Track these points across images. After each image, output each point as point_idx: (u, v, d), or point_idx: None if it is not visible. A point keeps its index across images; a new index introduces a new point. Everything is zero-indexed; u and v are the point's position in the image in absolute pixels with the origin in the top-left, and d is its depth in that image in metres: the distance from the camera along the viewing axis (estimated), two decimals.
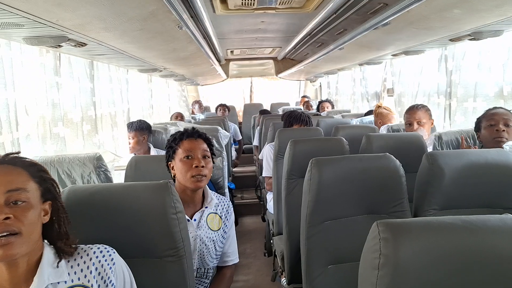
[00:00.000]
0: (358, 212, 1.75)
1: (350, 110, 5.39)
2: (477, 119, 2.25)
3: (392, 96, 4.05)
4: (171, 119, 5.17)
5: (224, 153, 4.09)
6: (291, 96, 9.15)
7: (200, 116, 7.05)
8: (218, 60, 6.61)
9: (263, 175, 4.21)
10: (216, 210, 1.85)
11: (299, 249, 1.84)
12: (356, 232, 1.71)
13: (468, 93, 2.64)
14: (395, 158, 1.76)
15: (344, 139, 2.51)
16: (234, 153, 6.55)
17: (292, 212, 2.42)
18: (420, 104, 2.87)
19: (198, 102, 7.49)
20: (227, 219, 1.88)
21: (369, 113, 4.50)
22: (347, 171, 1.72)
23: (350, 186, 1.71)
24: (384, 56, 3.20)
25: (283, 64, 6.99)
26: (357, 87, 5.19)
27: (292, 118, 3.52)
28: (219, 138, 4.05)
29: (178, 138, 1.82)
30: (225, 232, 1.87)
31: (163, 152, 3.87)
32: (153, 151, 3.68)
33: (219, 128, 4.10)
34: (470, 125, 2.68)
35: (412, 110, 2.81)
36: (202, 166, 1.73)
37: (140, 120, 3.54)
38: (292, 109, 6.66)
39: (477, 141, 2.29)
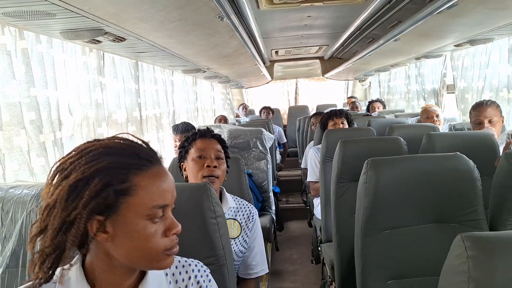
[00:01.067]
0: (423, 221, 1.52)
1: (404, 109, 5.06)
2: None
3: (453, 93, 3.72)
4: (215, 122, 5.11)
5: (269, 156, 3.95)
6: (338, 97, 8.86)
7: (245, 119, 6.98)
8: (263, 62, 6.50)
9: (308, 179, 4.04)
10: (236, 216, 1.69)
11: (350, 258, 1.63)
12: (422, 243, 1.49)
13: None
14: (468, 159, 1.52)
15: (401, 138, 2.28)
16: (279, 157, 6.40)
17: (342, 219, 2.22)
18: (489, 100, 2.56)
19: (242, 104, 7.41)
20: (249, 228, 1.70)
21: None
22: (410, 173, 1.50)
23: (413, 191, 1.49)
24: (445, 48, 2.91)
25: (329, 63, 6.74)
26: (411, 84, 4.85)
27: (324, 118, 3.29)
28: (263, 140, 3.90)
29: (191, 138, 1.71)
30: (245, 241, 1.68)
31: None
32: None
33: (263, 130, 3.96)
34: None
35: (481, 107, 2.47)
36: (215, 166, 1.63)
37: (186, 122, 3.46)
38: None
39: None
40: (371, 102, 5.78)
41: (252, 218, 1.71)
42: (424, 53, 3.18)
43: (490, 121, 2.44)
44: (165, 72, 3.26)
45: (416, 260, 1.49)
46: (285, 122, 8.11)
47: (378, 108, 5.53)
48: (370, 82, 7.35)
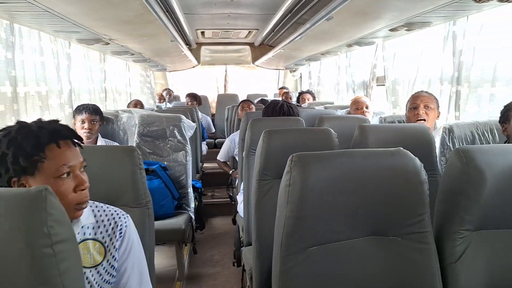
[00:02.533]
0: (359, 233, 1.21)
1: (334, 101, 4.88)
2: (505, 107, 1.76)
3: (383, 85, 3.54)
4: (128, 107, 4.54)
5: (188, 147, 3.51)
6: (269, 87, 8.62)
7: (168, 105, 6.45)
8: (187, 43, 6.02)
9: (218, 157, 4.06)
10: (96, 234, 1.25)
11: (271, 270, 1.27)
12: (357, 262, 1.17)
13: (485, 77, 2.14)
14: (413, 156, 1.21)
15: (332, 130, 1.98)
16: (205, 148, 6.00)
17: (264, 223, 1.85)
18: (425, 91, 2.43)
19: (166, 90, 6.85)
20: (115, 247, 1.26)
21: None
22: (345, 172, 1.16)
23: (348, 195, 1.16)
24: (379, 32, 2.67)
25: (260, 50, 6.45)
26: (342, 76, 4.67)
27: (273, 110, 2.96)
28: (182, 129, 3.45)
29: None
30: (112, 266, 1.25)
31: (113, 144, 3.27)
32: (101, 141, 3.06)
33: (182, 117, 3.50)
34: (486, 116, 2.18)
35: (419, 93, 2.40)
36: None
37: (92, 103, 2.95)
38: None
39: (503, 134, 1.80)
40: (301, 93, 5.58)
41: (120, 233, 1.27)
42: (357, 39, 2.94)
43: (426, 107, 2.32)
44: (57, 42, 2.67)
45: (350, 282, 1.17)
46: (213, 110, 7.69)
47: (308, 100, 5.34)
48: (301, 74, 7.16)
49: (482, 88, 2.15)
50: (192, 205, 3.42)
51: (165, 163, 3.40)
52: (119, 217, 1.29)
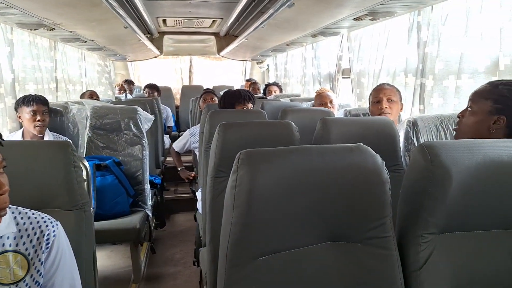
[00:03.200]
0: (314, 240, 1.08)
1: (300, 94, 4.78)
2: None
3: (349, 77, 3.46)
4: (81, 97, 4.28)
5: (145, 140, 3.30)
6: (236, 79, 8.44)
7: (129, 97, 6.17)
8: (150, 33, 5.76)
9: (173, 144, 3.90)
10: (17, 245, 1.08)
11: None
12: (312, 270, 1.05)
13: (450, 69, 2.06)
14: (374, 153, 1.10)
15: (293, 124, 1.86)
16: (167, 141, 5.79)
17: (219, 224, 1.72)
18: (388, 83, 2.35)
19: (127, 81, 6.55)
20: (40, 260, 1.09)
21: None
22: (299, 172, 1.03)
23: (301, 197, 1.03)
24: (343, 22, 2.56)
25: (225, 41, 6.27)
26: (308, 68, 4.57)
27: (229, 97, 2.81)
28: (138, 121, 3.25)
29: None
30: (36, 283, 1.08)
31: (62, 138, 3.03)
32: (49, 136, 2.83)
33: (138, 109, 3.29)
34: (451, 109, 2.11)
35: (381, 86, 2.32)
36: None
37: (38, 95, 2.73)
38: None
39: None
40: (267, 85, 5.45)
41: (47, 243, 1.10)
42: (321, 28, 2.82)
43: (388, 100, 2.25)
44: None
45: None
46: (178, 102, 7.45)
47: (275, 92, 5.23)
48: (268, 65, 7.03)
49: (447, 80, 2.08)
50: (150, 202, 3.23)
51: (120, 158, 3.19)
52: (46, 225, 1.11)
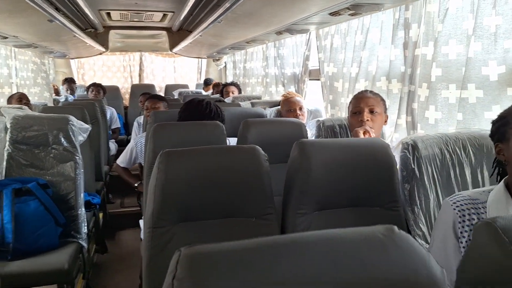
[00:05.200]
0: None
1: (261, 96, 4.34)
2: (499, 118, 1.20)
3: (318, 79, 3.05)
4: (9, 103, 3.62)
5: (79, 156, 2.73)
6: (191, 77, 7.92)
7: (71, 98, 5.51)
8: (93, 27, 5.14)
9: (117, 161, 3.35)
10: None
11: None
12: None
13: (450, 77, 1.69)
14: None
15: (260, 149, 1.44)
16: (114, 147, 5.19)
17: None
18: (371, 91, 1.95)
19: (67, 79, 5.84)
20: None
21: None
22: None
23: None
24: (315, 17, 2.13)
25: (179, 36, 5.72)
26: (270, 68, 4.13)
27: (194, 113, 2.32)
28: (69, 133, 2.67)
29: None
30: None
31: None
32: None
33: (71, 118, 2.72)
34: (453, 126, 1.74)
35: (362, 94, 1.96)
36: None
37: None
38: (194, 94, 5.46)
39: (498, 156, 1.24)
40: (225, 86, 4.97)
41: None
42: (289, 24, 2.40)
43: (371, 111, 1.90)
44: None
45: None
46: (126, 102, 6.83)
47: (233, 93, 4.76)
48: (225, 63, 6.54)
49: (447, 90, 1.71)
50: (85, 230, 2.67)
51: (47, 178, 2.62)
52: None
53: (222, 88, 5.08)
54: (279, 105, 3.45)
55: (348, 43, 2.48)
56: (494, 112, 1.58)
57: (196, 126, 2.18)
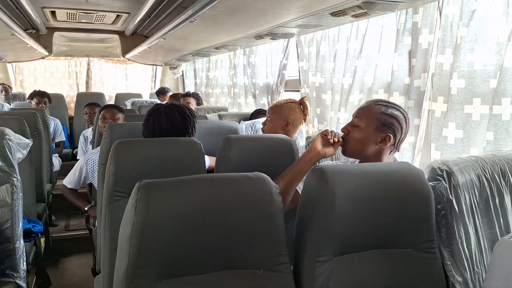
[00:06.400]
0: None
1: (228, 107, 4.01)
2: None
3: (297, 91, 2.78)
4: None
5: (16, 177, 2.24)
6: (145, 86, 7.44)
7: (7, 107, 4.87)
8: (35, 28, 4.59)
9: (64, 181, 2.92)
10: None
11: None
12: None
13: (475, 90, 1.46)
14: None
15: (271, 182, 1.12)
16: (57, 162, 4.65)
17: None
18: (377, 102, 1.66)
19: (2, 85, 5.18)
20: None
21: (257, 113, 3.22)
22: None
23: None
24: (307, 19, 1.83)
25: (132, 41, 5.30)
26: (239, 77, 3.81)
27: (162, 130, 1.93)
28: (5, 150, 2.19)
29: None
30: None
31: None
32: None
33: (7, 131, 2.23)
34: (481, 146, 1.50)
35: (364, 104, 1.58)
36: None
37: None
38: (149, 104, 5.01)
39: None
40: (183, 96, 4.57)
41: None
42: (274, 27, 2.09)
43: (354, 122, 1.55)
44: None
45: None
46: (72, 112, 6.24)
47: (192, 105, 4.37)
48: (183, 72, 6.14)
49: (470, 105, 1.48)
50: (23, 266, 2.18)
51: None
52: None
53: (179, 100, 4.68)
54: (251, 118, 3.15)
55: (339, 50, 2.23)
56: None
57: (169, 144, 1.81)
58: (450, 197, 1.23)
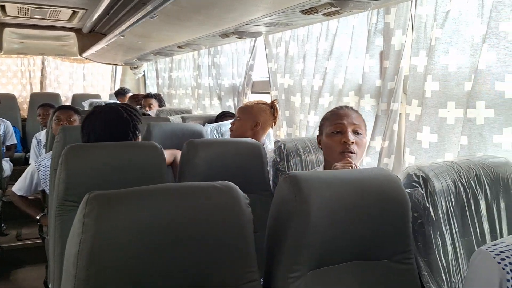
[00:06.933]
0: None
1: (192, 109, 3.87)
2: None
3: (266, 93, 2.69)
4: None
5: None
6: (104, 87, 7.15)
7: None
8: None
9: (13, 188, 2.73)
10: None
11: None
12: None
13: (450, 92, 1.42)
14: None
15: (239, 191, 1.02)
16: (8, 166, 4.38)
17: None
18: (352, 108, 1.63)
19: None
20: None
21: (223, 115, 3.11)
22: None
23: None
24: (277, 16, 1.74)
25: (90, 39, 5.08)
26: (203, 78, 3.68)
27: (102, 133, 1.75)
28: None
29: None
30: None
31: None
32: None
33: None
34: (453, 152, 1.47)
35: (343, 110, 1.58)
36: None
37: None
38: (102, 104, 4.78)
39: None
40: (144, 97, 4.39)
41: None
42: (241, 24, 1.99)
43: (356, 131, 1.53)
44: None
45: None
46: (25, 114, 5.90)
47: (154, 107, 4.21)
48: (144, 72, 5.93)
49: (445, 108, 1.44)
50: None
51: None
52: None
53: (140, 100, 4.49)
54: (216, 121, 3.04)
55: (308, 51, 2.16)
56: (505, 136, 1.34)
57: (126, 149, 1.66)
58: (427, 204, 1.18)
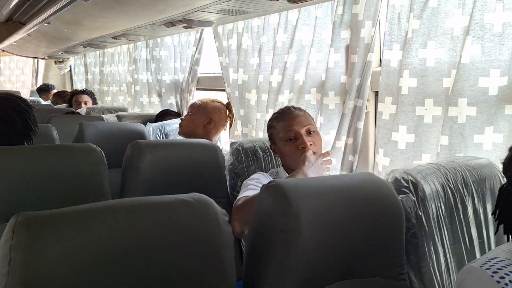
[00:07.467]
0: None
1: (127, 107, 3.53)
2: None
3: (214, 89, 2.47)
4: None
5: None
6: (24, 83, 6.47)
7: None
8: None
9: None
10: None
11: None
12: None
13: (427, 89, 1.31)
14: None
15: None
16: None
17: None
18: (294, 106, 1.60)
19: None
20: None
21: (165, 114, 2.84)
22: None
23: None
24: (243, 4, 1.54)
25: (7, 29, 4.50)
26: (141, 73, 3.35)
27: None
28: None
29: None
30: None
31: None
32: None
33: None
34: (430, 152, 1.37)
35: (291, 113, 1.52)
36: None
37: None
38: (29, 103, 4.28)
39: None
40: (75, 94, 3.96)
41: None
42: (192, 10, 1.74)
43: (308, 132, 1.49)
44: None
45: None
46: None
47: (86, 103, 3.81)
48: (71, 66, 5.40)
49: (422, 106, 1.34)
50: None
51: None
52: None
53: (70, 97, 4.05)
54: (157, 120, 2.77)
55: (265, 43, 1.98)
56: (486, 136, 1.26)
57: (56, 153, 1.36)
58: (420, 212, 1.05)
